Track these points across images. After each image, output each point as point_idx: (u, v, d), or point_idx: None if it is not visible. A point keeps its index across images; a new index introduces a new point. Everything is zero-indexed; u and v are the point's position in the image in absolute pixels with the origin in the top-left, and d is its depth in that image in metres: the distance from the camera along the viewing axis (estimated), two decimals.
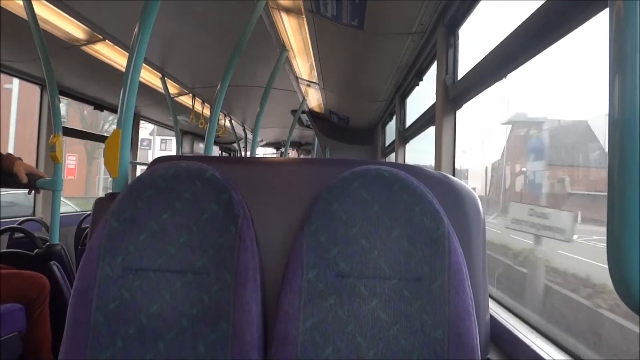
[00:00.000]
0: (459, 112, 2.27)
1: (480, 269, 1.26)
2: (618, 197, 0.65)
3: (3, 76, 3.98)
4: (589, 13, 1.08)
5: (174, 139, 6.00)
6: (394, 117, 4.46)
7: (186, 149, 8.04)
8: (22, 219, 3.92)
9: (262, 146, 11.63)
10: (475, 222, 1.28)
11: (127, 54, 1.70)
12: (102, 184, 19.14)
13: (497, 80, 1.70)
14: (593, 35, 1.18)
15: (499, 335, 1.38)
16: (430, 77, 2.90)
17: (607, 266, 0.68)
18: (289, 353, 1.14)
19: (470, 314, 1.13)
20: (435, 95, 2.46)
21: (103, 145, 1.66)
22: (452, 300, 1.13)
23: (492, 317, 1.37)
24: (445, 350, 1.10)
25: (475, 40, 2.23)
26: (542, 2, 1.25)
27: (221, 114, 6.70)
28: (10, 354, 2.36)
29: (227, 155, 10.59)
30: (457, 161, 2.30)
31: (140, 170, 6.25)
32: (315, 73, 4.17)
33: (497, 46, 1.61)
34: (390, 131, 5.09)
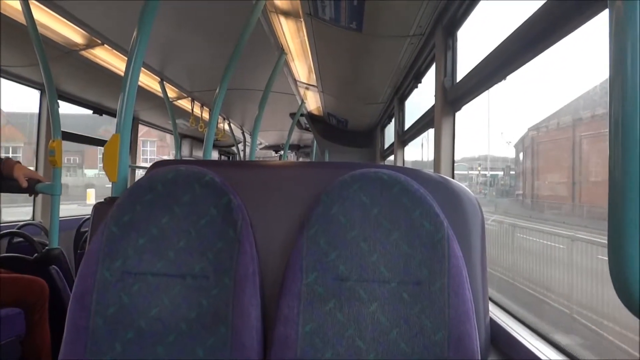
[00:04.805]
0: None
1: (479, 272, 1.26)
2: (619, 198, 0.65)
3: None
4: (589, 14, 1.08)
5: None
6: (393, 120, 4.46)
7: (185, 153, 8.04)
8: (22, 223, 3.92)
9: (261, 149, 11.64)
10: (474, 225, 1.28)
11: (126, 58, 1.70)
12: None
13: (497, 82, 1.70)
14: None
15: (499, 338, 1.38)
16: (429, 80, 2.90)
17: None
18: (289, 357, 1.13)
19: (470, 317, 1.13)
20: (434, 98, 2.46)
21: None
22: (452, 303, 1.12)
23: (492, 320, 1.37)
24: (445, 354, 1.10)
25: (475, 41, 2.23)
26: (542, 3, 1.25)
27: (220, 117, 6.71)
28: (9, 359, 2.35)
29: (226, 158, 10.59)
30: None
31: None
32: (313, 76, 4.17)
33: (496, 48, 1.61)
34: (389, 134, 5.09)
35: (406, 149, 4.26)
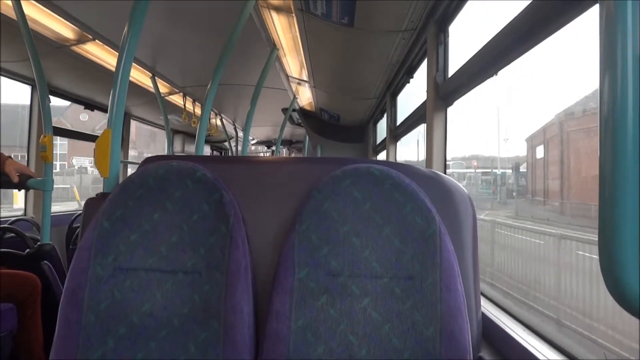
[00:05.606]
0: None
1: (471, 267, 1.27)
2: (610, 196, 0.65)
3: None
4: (579, 10, 1.08)
5: None
6: (385, 115, 4.46)
7: (177, 149, 8.01)
8: (13, 218, 3.90)
9: (253, 144, 11.61)
10: (466, 220, 1.29)
11: (117, 54, 1.69)
12: None
13: (488, 78, 1.71)
14: None
15: (491, 333, 1.38)
16: (421, 75, 2.90)
17: None
18: (281, 352, 1.14)
19: (462, 312, 1.13)
20: (426, 93, 2.47)
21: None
22: (444, 298, 1.13)
23: (484, 315, 1.38)
24: (437, 349, 1.11)
25: (466, 37, 2.23)
26: None
27: (212, 112, 6.69)
28: (1, 354, 2.35)
29: (218, 154, 10.55)
30: None
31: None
32: (305, 71, 4.16)
33: (487, 43, 1.61)
34: (382, 129, 5.09)
35: (399, 147, 4.26)
